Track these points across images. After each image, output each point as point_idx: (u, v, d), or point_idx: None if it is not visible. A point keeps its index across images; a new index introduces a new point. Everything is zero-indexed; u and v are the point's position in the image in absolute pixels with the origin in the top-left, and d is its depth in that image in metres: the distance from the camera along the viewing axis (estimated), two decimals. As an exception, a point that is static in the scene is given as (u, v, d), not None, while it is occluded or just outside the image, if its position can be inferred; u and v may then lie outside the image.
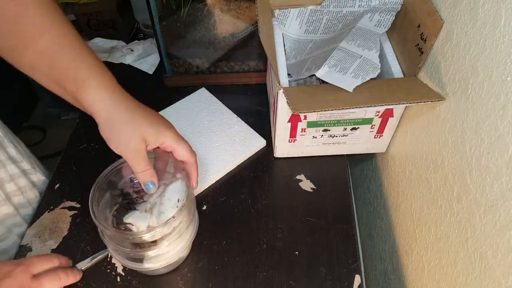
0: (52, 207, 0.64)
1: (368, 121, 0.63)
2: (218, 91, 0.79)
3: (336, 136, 0.66)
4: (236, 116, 0.75)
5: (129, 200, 0.51)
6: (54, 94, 0.45)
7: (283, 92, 0.54)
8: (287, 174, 0.69)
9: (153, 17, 0.70)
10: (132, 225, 0.48)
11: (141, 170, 0.46)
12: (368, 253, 0.87)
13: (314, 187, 0.67)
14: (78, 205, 0.65)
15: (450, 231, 0.49)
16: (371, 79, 0.57)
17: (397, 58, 0.62)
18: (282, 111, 0.60)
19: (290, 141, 0.66)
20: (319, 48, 0.64)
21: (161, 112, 0.75)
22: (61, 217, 0.63)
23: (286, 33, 0.65)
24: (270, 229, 0.62)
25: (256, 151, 0.71)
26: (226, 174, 0.68)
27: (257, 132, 0.72)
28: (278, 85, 0.56)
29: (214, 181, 0.67)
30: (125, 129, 0.44)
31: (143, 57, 0.90)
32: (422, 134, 0.58)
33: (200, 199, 0.65)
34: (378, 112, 0.61)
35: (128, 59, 0.89)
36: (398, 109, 0.61)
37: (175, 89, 0.82)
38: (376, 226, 0.81)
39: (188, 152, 0.50)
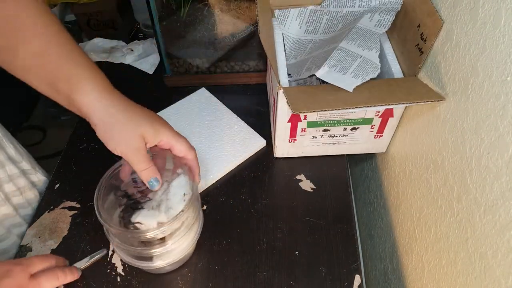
0: (52, 207, 0.64)
1: (368, 121, 0.63)
2: (218, 91, 0.79)
3: (336, 136, 0.66)
4: (236, 116, 0.75)
5: (134, 200, 0.51)
6: None
7: (283, 92, 0.54)
8: (287, 174, 0.69)
9: (153, 17, 0.70)
10: (141, 224, 0.48)
11: (143, 168, 0.46)
12: (368, 253, 0.87)
13: (314, 187, 0.67)
14: (78, 205, 0.65)
15: (450, 231, 0.49)
16: (371, 79, 0.57)
17: (397, 58, 0.62)
18: (282, 111, 0.60)
19: (290, 141, 0.66)
20: (319, 48, 0.64)
21: (161, 112, 0.76)
22: (61, 217, 0.63)
23: (286, 33, 0.65)
24: (270, 229, 0.62)
25: (256, 151, 0.71)
26: (226, 174, 0.68)
27: (257, 132, 0.72)
28: (278, 85, 0.56)
29: (214, 181, 0.67)
30: (124, 128, 0.44)
31: (143, 57, 0.90)
32: (422, 134, 0.58)
33: (200, 199, 0.65)
34: (378, 112, 0.61)
35: (128, 59, 0.89)
36: (398, 109, 0.61)
37: (175, 89, 0.82)
38: (376, 226, 0.81)
39: (187, 148, 0.50)
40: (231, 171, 0.69)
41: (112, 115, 0.44)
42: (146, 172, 0.47)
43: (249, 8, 0.71)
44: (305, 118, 0.61)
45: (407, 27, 0.59)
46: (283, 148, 0.68)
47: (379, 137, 0.67)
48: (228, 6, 0.70)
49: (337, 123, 0.63)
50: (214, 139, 0.71)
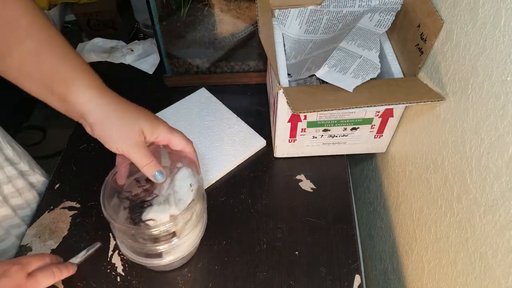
0: (52, 207, 0.64)
1: (368, 121, 0.63)
2: (218, 91, 0.79)
3: (336, 136, 0.66)
4: (236, 116, 0.75)
5: (140, 199, 0.51)
6: None
7: (283, 92, 0.54)
8: (287, 174, 0.69)
9: (153, 17, 0.70)
10: (153, 220, 0.48)
11: (146, 163, 0.46)
12: (368, 253, 0.87)
13: (314, 187, 0.67)
14: (78, 205, 0.65)
15: (450, 231, 0.49)
16: (371, 79, 0.57)
17: (397, 58, 0.62)
18: (282, 111, 0.60)
19: (290, 141, 0.66)
20: (319, 48, 0.64)
21: (161, 112, 0.76)
22: (61, 217, 0.63)
23: (286, 33, 0.65)
24: (270, 229, 0.62)
25: (256, 151, 0.71)
26: (226, 174, 0.68)
27: (257, 132, 0.72)
28: (278, 85, 0.56)
29: (214, 181, 0.67)
30: (123, 125, 0.44)
31: (143, 57, 0.90)
32: (422, 134, 0.58)
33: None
34: (378, 112, 0.61)
35: (128, 59, 0.89)
36: (398, 109, 0.61)
37: (175, 89, 0.82)
38: (376, 226, 0.81)
39: (184, 141, 0.50)
40: (231, 171, 0.69)
41: (110, 112, 0.43)
42: (149, 167, 0.46)
43: (249, 8, 0.71)
44: (305, 118, 0.61)
45: (407, 27, 0.59)
46: (283, 148, 0.68)
47: (379, 137, 0.67)
48: (228, 6, 0.70)
49: (337, 123, 0.63)
50: (214, 139, 0.71)
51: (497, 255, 0.39)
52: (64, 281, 0.55)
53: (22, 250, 0.59)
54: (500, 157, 0.39)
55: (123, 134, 0.44)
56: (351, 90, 0.55)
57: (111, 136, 0.44)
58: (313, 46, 0.65)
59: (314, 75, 0.65)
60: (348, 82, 0.56)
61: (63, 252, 0.57)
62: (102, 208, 0.47)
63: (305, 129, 0.63)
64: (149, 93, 0.83)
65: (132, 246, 0.50)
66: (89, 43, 0.95)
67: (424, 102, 0.51)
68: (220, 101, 0.78)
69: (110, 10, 1.86)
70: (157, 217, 0.48)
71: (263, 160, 0.70)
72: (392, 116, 0.62)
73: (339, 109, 0.53)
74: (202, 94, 0.79)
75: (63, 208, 0.64)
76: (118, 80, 0.86)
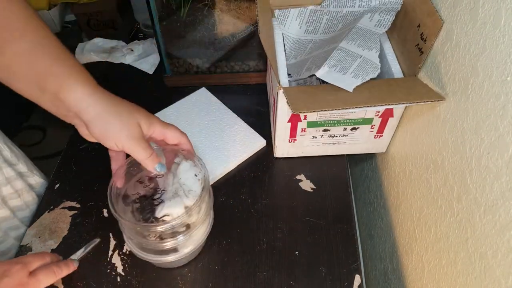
0: (52, 207, 0.64)
1: (368, 121, 0.63)
2: (218, 91, 0.79)
3: (336, 136, 0.66)
4: (236, 115, 0.75)
5: (149, 198, 0.52)
6: None
7: (283, 92, 0.54)
8: (287, 174, 0.69)
9: (153, 17, 0.70)
10: (168, 215, 0.48)
11: (148, 156, 0.46)
12: (368, 253, 0.87)
13: (314, 187, 0.67)
14: (78, 205, 0.65)
15: (450, 231, 0.49)
16: (371, 79, 0.57)
17: (397, 58, 0.62)
18: (282, 111, 0.60)
19: (290, 141, 0.66)
20: (319, 48, 0.64)
21: (161, 112, 0.76)
22: (61, 217, 0.63)
23: (286, 33, 0.65)
24: (270, 229, 0.62)
25: (256, 150, 0.71)
26: (226, 174, 0.68)
27: (257, 132, 0.72)
28: (278, 85, 0.56)
29: (214, 181, 0.67)
30: (121, 118, 0.44)
31: (143, 57, 0.90)
32: (422, 134, 0.58)
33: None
34: (378, 112, 0.61)
35: (128, 59, 0.89)
36: (398, 109, 0.61)
37: (175, 89, 0.82)
38: (376, 226, 0.81)
39: (179, 133, 0.50)
40: (231, 171, 0.69)
41: (106, 108, 0.43)
42: (151, 159, 0.46)
43: (249, 8, 0.71)
44: (305, 118, 0.61)
45: (407, 27, 0.59)
46: (283, 148, 0.68)
47: (379, 137, 0.67)
48: (228, 6, 0.70)
49: (337, 123, 0.63)
50: (214, 139, 0.71)
51: (497, 255, 0.39)
52: (64, 281, 0.55)
53: (22, 250, 0.59)
54: (500, 157, 0.39)
55: (122, 128, 0.44)
56: (351, 90, 0.55)
57: (109, 132, 0.43)
58: (313, 46, 0.65)
59: (314, 75, 0.65)
60: (348, 82, 0.56)
61: (63, 252, 0.57)
62: (112, 210, 0.46)
63: (305, 129, 0.63)
64: (149, 93, 0.83)
65: (141, 243, 0.50)
66: (89, 43, 0.95)
67: (424, 102, 0.51)
68: (220, 101, 0.78)
69: (110, 10, 1.86)
70: (172, 211, 0.48)
71: (263, 160, 0.70)
72: (392, 116, 0.62)
73: (339, 109, 0.53)
74: (202, 93, 0.79)
75: (63, 208, 0.64)
76: (118, 80, 0.87)
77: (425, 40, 0.54)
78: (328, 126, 0.63)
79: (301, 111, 0.53)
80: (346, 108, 0.53)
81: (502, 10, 0.38)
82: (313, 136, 0.65)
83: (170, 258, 0.51)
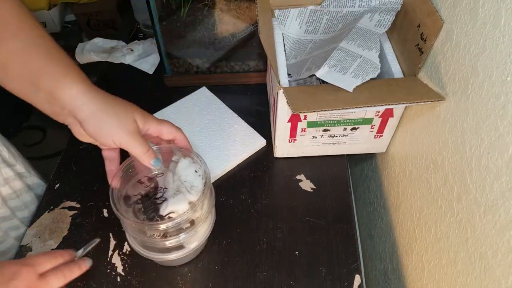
0: (52, 207, 0.64)
1: (368, 121, 0.63)
2: (218, 91, 0.79)
3: (336, 136, 0.66)
4: (236, 115, 0.75)
5: (151, 198, 0.52)
6: None
7: (283, 92, 0.54)
8: (287, 174, 0.69)
9: (153, 17, 0.70)
10: (174, 212, 0.48)
11: (146, 151, 0.46)
12: (368, 253, 0.87)
13: (314, 187, 0.67)
14: (78, 205, 0.65)
15: (450, 231, 0.49)
16: (371, 79, 0.57)
17: (397, 58, 0.62)
18: (282, 111, 0.60)
19: (290, 141, 0.66)
20: (319, 48, 0.64)
21: (161, 112, 0.76)
22: (61, 217, 0.63)
23: (286, 33, 0.65)
24: (270, 229, 0.62)
25: (256, 150, 0.71)
26: (226, 174, 0.68)
27: (257, 132, 0.72)
28: (278, 85, 0.56)
29: (214, 181, 0.67)
30: (117, 114, 0.44)
31: (143, 57, 0.90)
32: (422, 134, 0.58)
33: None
34: (378, 112, 0.61)
35: (128, 59, 0.89)
36: (398, 109, 0.61)
37: (175, 89, 0.82)
38: (376, 226, 0.81)
39: (173, 129, 0.50)
40: (231, 171, 0.69)
41: (102, 104, 0.43)
42: (148, 154, 0.46)
43: (249, 8, 0.71)
44: (305, 118, 0.61)
45: (407, 27, 0.59)
46: (283, 148, 0.68)
47: (379, 137, 0.67)
48: (228, 6, 0.70)
49: (337, 123, 0.63)
50: (214, 138, 0.71)
51: (497, 255, 0.39)
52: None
53: (22, 250, 0.59)
54: (500, 157, 0.39)
55: (119, 124, 0.44)
56: (351, 90, 0.55)
57: (105, 129, 0.43)
58: (313, 46, 0.65)
59: (314, 75, 0.65)
60: (348, 82, 0.56)
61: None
62: (115, 210, 0.46)
63: (305, 129, 0.63)
64: (149, 93, 0.83)
65: (145, 242, 0.50)
66: (89, 43, 0.95)
67: (424, 102, 0.51)
68: (220, 100, 0.78)
69: (110, 10, 1.86)
70: (177, 208, 0.48)
71: (263, 160, 0.70)
72: (392, 116, 0.62)
73: (339, 109, 0.53)
74: (203, 93, 0.79)
75: (63, 208, 0.64)
76: (118, 80, 0.87)
77: (425, 40, 0.54)
78: (328, 126, 0.63)
79: (301, 111, 0.53)
80: (346, 108, 0.53)
81: (502, 10, 0.38)
82: (313, 136, 0.65)
83: (175, 255, 0.52)
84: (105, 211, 0.64)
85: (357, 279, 0.56)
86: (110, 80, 0.87)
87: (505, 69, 0.38)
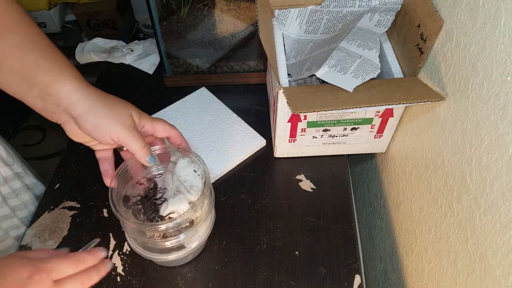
0: (52, 207, 0.64)
1: (368, 121, 0.63)
2: (218, 91, 0.79)
3: (336, 136, 0.66)
4: (236, 115, 0.75)
5: (150, 199, 0.52)
6: None
7: (283, 92, 0.54)
8: (287, 174, 0.69)
9: (153, 17, 0.70)
10: (174, 212, 0.48)
11: (143, 146, 0.46)
12: (368, 253, 0.87)
13: (314, 187, 0.67)
14: (78, 205, 0.65)
15: (450, 231, 0.49)
16: (371, 79, 0.57)
17: (397, 58, 0.62)
18: (282, 111, 0.60)
19: (290, 141, 0.66)
20: (319, 48, 0.64)
21: (161, 112, 0.76)
22: (61, 217, 0.63)
23: (286, 33, 0.65)
24: (270, 229, 0.62)
25: (256, 150, 0.71)
26: (226, 174, 0.68)
27: (257, 132, 0.72)
28: (278, 85, 0.56)
29: (214, 181, 0.67)
30: (114, 109, 0.44)
31: (143, 57, 0.90)
32: (422, 134, 0.58)
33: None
34: (378, 112, 0.61)
35: (128, 59, 0.89)
36: (398, 109, 0.61)
37: (175, 89, 0.82)
38: (376, 226, 0.81)
39: (167, 126, 0.50)
40: (231, 171, 0.69)
41: (98, 100, 0.43)
42: (145, 151, 0.46)
43: (249, 8, 0.71)
44: (305, 118, 0.61)
45: (407, 27, 0.59)
46: (283, 148, 0.68)
47: (379, 137, 0.67)
48: (228, 6, 0.70)
49: (337, 123, 0.63)
50: (214, 139, 0.71)
51: (497, 255, 0.39)
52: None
53: (22, 250, 0.59)
54: (500, 157, 0.39)
55: (116, 118, 0.43)
56: (351, 90, 0.55)
57: (102, 124, 0.43)
58: (313, 46, 0.65)
59: (314, 75, 0.65)
60: (348, 82, 0.56)
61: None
62: (115, 211, 0.46)
63: (305, 129, 0.63)
64: (149, 93, 0.83)
65: (145, 243, 0.50)
66: (89, 43, 0.95)
67: (424, 102, 0.51)
68: (220, 101, 0.78)
69: (110, 10, 1.86)
70: (177, 208, 0.48)
71: (263, 160, 0.70)
72: (392, 116, 0.62)
73: (339, 109, 0.53)
74: (202, 93, 0.79)
75: (63, 208, 0.64)
76: (118, 80, 0.87)
77: (425, 40, 0.54)
78: (328, 126, 0.63)
79: (301, 111, 0.53)
80: (346, 108, 0.53)
81: (502, 10, 0.38)
82: (313, 136, 0.65)
83: (175, 255, 0.52)
84: (105, 211, 0.64)
85: (357, 279, 0.56)
86: (110, 80, 0.87)
87: (505, 69, 0.38)
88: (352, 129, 0.64)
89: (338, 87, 0.56)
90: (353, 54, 0.63)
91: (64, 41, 1.98)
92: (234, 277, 0.57)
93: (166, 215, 0.48)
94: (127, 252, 0.59)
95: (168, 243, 0.49)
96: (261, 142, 0.71)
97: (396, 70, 0.61)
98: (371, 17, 0.64)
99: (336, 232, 0.61)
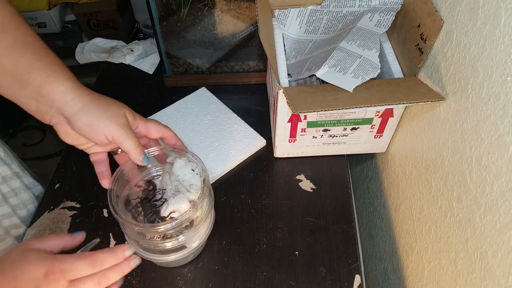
0: (52, 207, 0.64)
1: (368, 121, 0.63)
2: (218, 91, 0.79)
3: (336, 136, 0.66)
4: (236, 115, 0.75)
5: (150, 200, 0.51)
6: None
7: (283, 92, 0.54)
8: (287, 174, 0.69)
9: (153, 17, 0.70)
10: (175, 211, 0.48)
11: (137, 145, 0.45)
12: (368, 253, 0.87)
13: (314, 187, 0.67)
14: (78, 205, 0.65)
15: (450, 231, 0.49)
16: (371, 79, 0.57)
17: (397, 58, 0.62)
18: (282, 111, 0.60)
19: (290, 141, 0.66)
20: (319, 48, 0.64)
21: (161, 112, 0.76)
22: (61, 217, 0.63)
23: (286, 33, 0.65)
24: (270, 229, 0.62)
25: (256, 150, 0.71)
26: (226, 174, 0.68)
27: (257, 132, 0.72)
28: (278, 85, 0.56)
29: (214, 181, 0.67)
30: (108, 108, 0.43)
31: (143, 57, 0.90)
32: (422, 134, 0.58)
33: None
34: (378, 112, 0.61)
35: (128, 59, 0.89)
36: (398, 109, 0.61)
37: (175, 89, 0.82)
38: (376, 226, 0.81)
39: (161, 127, 0.50)
40: (231, 171, 0.69)
41: (92, 99, 0.43)
42: (139, 150, 0.46)
43: (249, 8, 0.71)
44: (305, 118, 0.61)
45: (407, 27, 0.59)
46: (283, 148, 0.68)
47: (379, 137, 0.67)
48: (228, 6, 0.70)
49: (337, 123, 0.63)
50: (214, 139, 0.71)
51: (497, 255, 0.39)
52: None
53: (22, 250, 0.59)
54: (500, 157, 0.39)
55: (110, 117, 0.43)
56: (351, 90, 0.55)
57: (96, 123, 0.43)
58: (313, 46, 0.65)
59: (314, 75, 0.65)
60: (348, 82, 0.56)
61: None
62: (115, 214, 0.46)
63: (305, 129, 0.63)
64: (149, 93, 0.83)
65: (145, 244, 0.50)
66: (89, 43, 0.95)
67: (424, 102, 0.51)
68: (220, 101, 0.78)
69: (110, 10, 1.86)
70: (178, 208, 0.48)
71: (263, 160, 0.70)
72: (392, 116, 0.62)
73: (339, 109, 0.53)
74: (202, 93, 0.79)
75: (63, 208, 0.64)
76: (118, 80, 0.87)
77: (425, 40, 0.54)
78: (328, 126, 0.63)
79: (301, 111, 0.53)
80: (346, 108, 0.53)
81: (502, 10, 0.38)
82: (313, 136, 0.65)
83: (176, 256, 0.51)
84: (105, 211, 0.64)
85: (357, 279, 0.56)
86: (110, 80, 0.87)
87: (505, 69, 0.38)
88: (352, 129, 0.64)
89: (338, 87, 0.56)
90: (353, 54, 0.63)
91: (64, 41, 1.98)
92: (234, 277, 0.57)
93: (168, 215, 0.48)
94: (127, 252, 0.59)
95: (169, 244, 0.49)
96: (261, 142, 0.71)
97: (396, 70, 0.61)
98: (371, 17, 0.64)
99: (336, 232, 0.61)
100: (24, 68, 0.41)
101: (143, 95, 0.82)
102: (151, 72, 0.87)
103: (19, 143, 1.68)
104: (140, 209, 0.51)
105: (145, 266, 0.57)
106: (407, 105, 0.54)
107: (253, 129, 0.73)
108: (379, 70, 0.59)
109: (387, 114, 0.62)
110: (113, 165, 0.50)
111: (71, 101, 0.42)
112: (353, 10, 0.63)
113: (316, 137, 0.66)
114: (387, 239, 0.74)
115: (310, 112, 0.59)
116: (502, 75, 0.39)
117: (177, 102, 0.77)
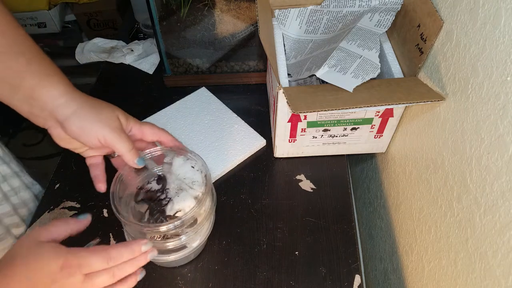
0: (52, 207, 0.64)
1: (368, 121, 0.63)
2: (218, 91, 0.79)
3: (336, 136, 0.66)
4: (236, 115, 0.75)
5: (155, 201, 0.51)
6: None
7: (283, 92, 0.54)
8: (287, 174, 0.69)
9: (153, 17, 0.70)
10: (180, 210, 0.48)
11: (131, 147, 0.45)
12: (368, 253, 0.87)
13: (314, 187, 0.67)
14: (78, 205, 0.65)
15: (450, 231, 0.49)
16: (371, 79, 0.57)
17: (397, 58, 0.62)
18: (282, 111, 0.60)
19: (290, 141, 0.66)
20: (319, 48, 0.64)
21: (161, 112, 0.76)
22: (61, 217, 0.63)
23: (286, 33, 0.65)
24: (270, 229, 0.62)
25: (256, 150, 0.71)
26: (226, 174, 0.68)
27: (257, 132, 0.72)
28: (278, 85, 0.56)
29: (214, 181, 0.67)
30: (101, 111, 0.43)
31: (143, 57, 0.90)
32: (422, 134, 0.58)
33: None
34: (378, 112, 0.61)
35: (128, 59, 0.89)
36: (398, 109, 0.61)
37: (175, 89, 0.82)
38: (376, 226, 0.81)
39: (157, 129, 0.49)
40: (231, 171, 0.69)
41: (85, 103, 0.43)
42: (133, 152, 0.46)
43: (249, 8, 0.71)
44: (305, 118, 0.61)
45: (407, 27, 0.59)
46: (283, 148, 0.68)
47: (379, 137, 0.67)
48: (228, 6, 0.70)
49: (337, 123, 0.63)
50: (214, 139, 0.71)
51: (497, 255, 0.39)
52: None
53: (22, 250, 0.59)
54: (500, 157, 0.39)
55: (102, 120, 0.43)
56: (351, 90, 0.55)
57: (89, 126, 0.42)
58: (313, 46, 0.65)
59: (314, 75, 0.65)
60: (348, 82, 0.56)
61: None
62: (117, 214, 0.46)
63: (305, 129, 0.63)
64: (149, 93, 0.83)
65: (157, 245, 0.49)
66: (89, 43, 0.95)
67: (424, 102, 0.51)
68: (220, 101, 0.78)
69: (110, 10, 1.86)
70: (183, 205, 0.48)
71: (263, 160, 0.70)
72: (392, 116, 0.62)
73: (339, 109, 0.53)
74: (202, 93, 0.79)
75: (63, 208, 0.64)
76: (118, 80, 0.87)
77: (425, 40, 0.54)
78: (328, 126, 0.63)
79: (301, 111, 0.53)
80: (346, 108, 0.53)
81: (502, 10, 0.38)
82: (313, 136, 0.65)
83: (176, 256, 0.51)
84: (105, 211, 0.64)
85: (357, 279, 0.56)
86: (110, 80, 0.87)
87: (505, 69, 0.38)
88: (352, 129, 0.64)
89: (338, 87, 0.56)
90: (353, 54, 0.63)
91: (64, 41, 1.98)
92: (234, 277, 0.57)
93: (174, 214, 0.48)
94: (127, 252, 0.59)
95: (170, 244, 0.49)
96: (261, 142, 0.71)
97: (396, 70, 0.61)
98: (371, 17, 0.64)
99: (336, 232, 0.61)
100: (17, 72, 0.40)
101: (143, 95, 0.82)
102: (151, 72, 0.87)
103: (19, 143, 1.68)
104: (145, 209, 0.51)
105: (145, 266, 0.57)
106: (407, 105, 0.54)
107: (253, 129, 0.73)
108: (379, 70, 0.59)
109: (387, 114, 0.62)
110: (110, 168, 0.50)
111: (64, 104, 0.42)
112: (353, 10, 0.63)
113: (316, 137, 0.66)
114: (387, 239, 0.74)
115: (310, 112, 0.59)
116: (502, 75, 0.39)
117: (177, 102, 0.77)
